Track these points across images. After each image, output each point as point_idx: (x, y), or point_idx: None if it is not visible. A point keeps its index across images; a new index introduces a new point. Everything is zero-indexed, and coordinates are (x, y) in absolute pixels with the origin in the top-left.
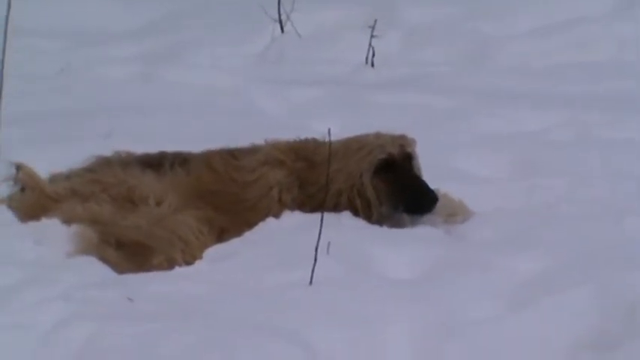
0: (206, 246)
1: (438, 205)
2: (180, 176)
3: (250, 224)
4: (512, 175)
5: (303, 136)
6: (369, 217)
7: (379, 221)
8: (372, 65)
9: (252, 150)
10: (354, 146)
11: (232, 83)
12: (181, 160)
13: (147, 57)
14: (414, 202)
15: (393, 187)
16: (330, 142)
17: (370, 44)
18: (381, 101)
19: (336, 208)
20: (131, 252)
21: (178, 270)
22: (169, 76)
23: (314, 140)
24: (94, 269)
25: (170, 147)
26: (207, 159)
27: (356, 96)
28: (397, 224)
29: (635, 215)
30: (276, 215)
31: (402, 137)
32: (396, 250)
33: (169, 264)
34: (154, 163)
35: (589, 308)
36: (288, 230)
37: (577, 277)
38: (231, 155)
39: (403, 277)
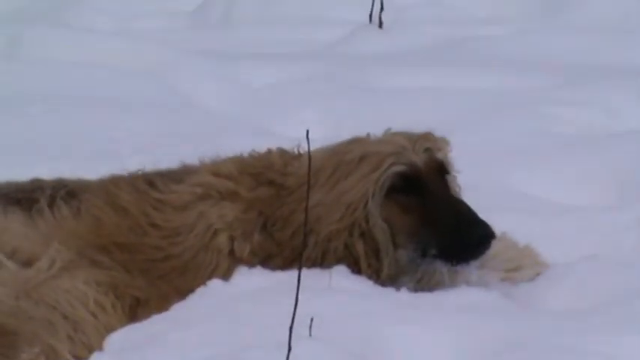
0: (110, 328)
1: (493, 251)
2: (65, 219)
3: (182, 292)
4: (609, 200)
5: (263, 146)
6: (378, 272)
7: (394, 278)
8: (380, 25)
9: (183, 174)
10: (350, 157)
11: (147, 58)
12: (67, 192)
13: (11, 18)
14: (456, 239)
15: (417, 217)
16: (309, 154)
17: None
18: (394, 83)
19: (324, 261)
20: None
21: None
22: (42, 48)
23: (281, 152)
24: None
25: (48, 169)
26: (110, 191)
27: (352, 76)
28: (426, 282)
29: None
30: (225, 276)
31: (427, 137)
32: (423, 328)
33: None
34: (24, 198)
35: None
36: (245, 299)
37: None
38: (149, 184)
39: None
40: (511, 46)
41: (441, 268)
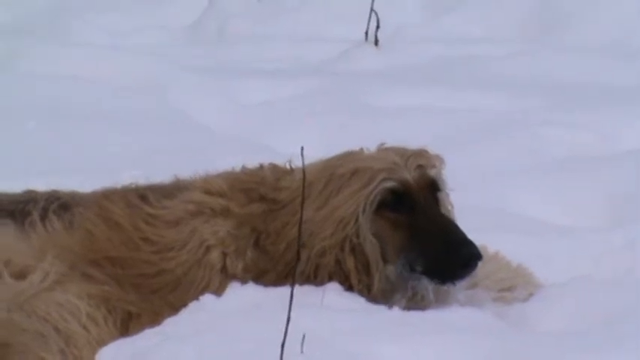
0: (101, 342)
1: (485, 271)
2: (58, 232)
3: (174, 307)
4: (603, 221)
5: (255, 162)
6: (369, 287)
7: (386, 295)
8: (376, 43)
9: (175, 189)
10: (342, 171)
11: (143, 74)
12: (60, 205)
13: (7, 32)
14: (442, 258)
15: (405, 234)
16: (304, 171)
17: (372, 9)
18: (389, 102)
19: (317, 276)
20: None
21: None
22: (39, 62)
23: (273, 167)
24: None
25: (42, 183)
26: (103, 205)
27: (347, 94)
28: (418, 300)
29: None
30: (218, 292)
31: (421, 153)
32: (414, 347)
33: None
34: (17, 210)
35: None
36: (237, 315)
37: None
38: (142, 198)
39: None
40: (507, 66)
41: (427, 285)
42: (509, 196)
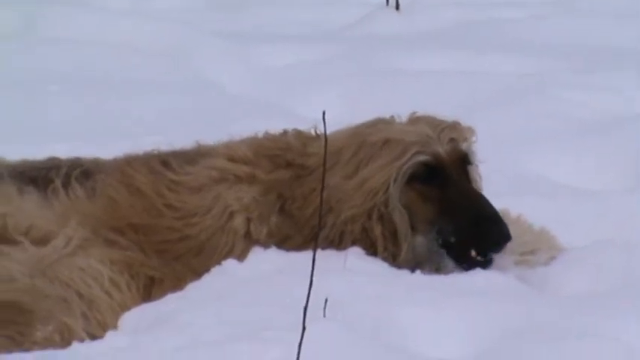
0: (124, 307)
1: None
2: (80, 199)
3: (197, 272)
4: (625, 184)
5: (279, 128)
6: (395, 256)
7: (409, 265)
8: (397, 7)
9: (198, 155)
10: (373, 139)
11: (164, 38)
12: (82, 172)
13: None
14: (473, 233)
15: (436, 207)
16: (325, 136)
17: None
18: (410, 66)
19: (341, 242)
20: (1, 320)
21: (78, 347)
22: (59, 28)
23: (298, 133)
24: None
25: (63, 148)
26: (125, 172)
27: (368, 58)
28: (439, 267)
29: None
30: (241, 258)
31: (454, 126)
32: (437, 310)
33: (63, 337)
34: (39, 177)
35: None
36: (260, 280)
37: None
38: (164, 164)
39: (449, 355)
40: (528, 30)
41: (452, 269)
42: (531, 160)
